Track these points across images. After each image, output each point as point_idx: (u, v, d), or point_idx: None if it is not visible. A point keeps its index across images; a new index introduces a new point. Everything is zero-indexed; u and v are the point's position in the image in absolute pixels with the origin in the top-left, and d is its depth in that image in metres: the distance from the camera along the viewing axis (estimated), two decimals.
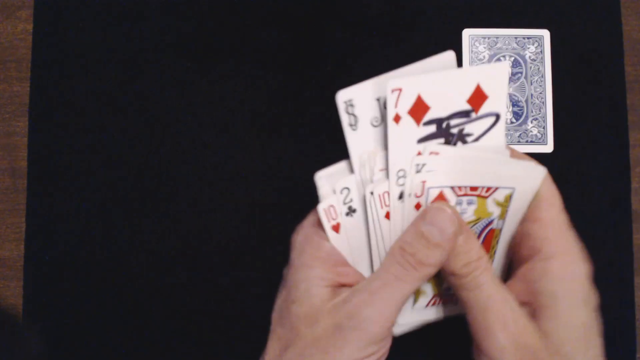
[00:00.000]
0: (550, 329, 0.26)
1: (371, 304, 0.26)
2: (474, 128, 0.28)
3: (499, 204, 0.28)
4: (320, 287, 0.28)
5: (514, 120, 0.40)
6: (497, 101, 0.28)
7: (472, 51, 0.40)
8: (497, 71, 0.27)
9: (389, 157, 0.27)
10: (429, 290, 0.30)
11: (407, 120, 0.26)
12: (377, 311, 0.26)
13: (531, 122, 0.40)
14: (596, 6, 0.41)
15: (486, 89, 0.27)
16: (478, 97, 0.27)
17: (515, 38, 0.40)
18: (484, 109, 0.28)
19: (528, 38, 0.40)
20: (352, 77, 0.40)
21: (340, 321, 0.27)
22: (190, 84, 0.40)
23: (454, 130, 0.28)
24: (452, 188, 0.28)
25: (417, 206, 0.28)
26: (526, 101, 0.40)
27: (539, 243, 0.27)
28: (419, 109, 0.26)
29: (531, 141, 0.40)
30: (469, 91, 0.27)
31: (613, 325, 0.38)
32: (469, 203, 0.28)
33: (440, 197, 0.28)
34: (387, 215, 0.28)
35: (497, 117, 0.28)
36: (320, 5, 0.41)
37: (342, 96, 0.27)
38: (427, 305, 0.31)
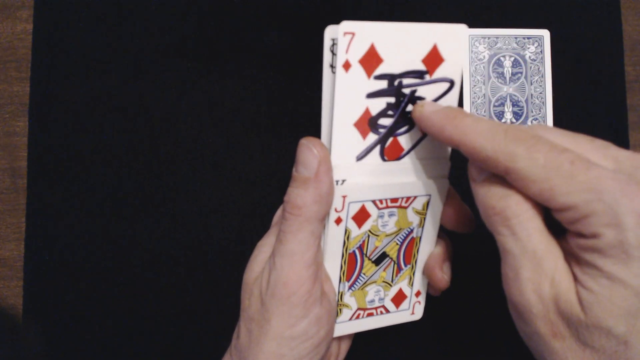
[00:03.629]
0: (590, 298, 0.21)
1: (276, 267, 0.26)
2: (427, 91, 0.26)
3: (417, 212, 0.28)
4: (267, 254, 0.28)
5: (514, 120, 0.40)
6: (453, 66, 0.26)
7: (472, 51, 0.40)
8: (454, 32, 0.25)
9: (335, 110, 0.25)
10: (353, 304, 0.30)
11: (357, 70, 0.24)
12: (284, 273, 0.25)
13: (531, 122, 0.40)
14: (596, 6, 0.41)
15: (443, 51, 0.26)
16: (434, 59, 0.26)
17: (515, 38, 0.40)
18: (439, 72, 0.26)
19: (528, 38, 0.40)
20: None
21: (262, 291, 0.26)
22: (191, 84, 0.40)
23: (406, 91, 0.26)
24: (374, 202, 0.27)
25: (338, 221, 0.27)
26: (526, 101, 0.40)
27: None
28: (371, 60, 0.24)
29: None
30: (424, 50, 0.25)
31: None
32: (390, 215, 0.28)
33: (362, 211, 0.27)
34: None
35: (452, 83, 0.26)
36: (320, 6, 0.41)
37: (331, 32, 0.24)
38: (351, 318, 0.30)
